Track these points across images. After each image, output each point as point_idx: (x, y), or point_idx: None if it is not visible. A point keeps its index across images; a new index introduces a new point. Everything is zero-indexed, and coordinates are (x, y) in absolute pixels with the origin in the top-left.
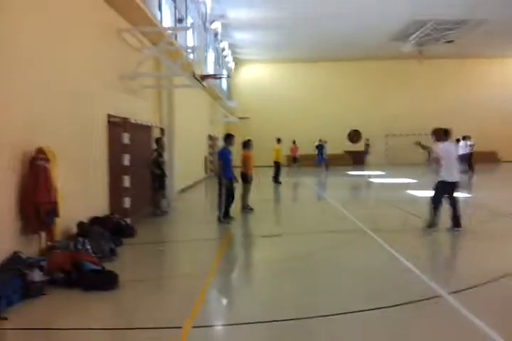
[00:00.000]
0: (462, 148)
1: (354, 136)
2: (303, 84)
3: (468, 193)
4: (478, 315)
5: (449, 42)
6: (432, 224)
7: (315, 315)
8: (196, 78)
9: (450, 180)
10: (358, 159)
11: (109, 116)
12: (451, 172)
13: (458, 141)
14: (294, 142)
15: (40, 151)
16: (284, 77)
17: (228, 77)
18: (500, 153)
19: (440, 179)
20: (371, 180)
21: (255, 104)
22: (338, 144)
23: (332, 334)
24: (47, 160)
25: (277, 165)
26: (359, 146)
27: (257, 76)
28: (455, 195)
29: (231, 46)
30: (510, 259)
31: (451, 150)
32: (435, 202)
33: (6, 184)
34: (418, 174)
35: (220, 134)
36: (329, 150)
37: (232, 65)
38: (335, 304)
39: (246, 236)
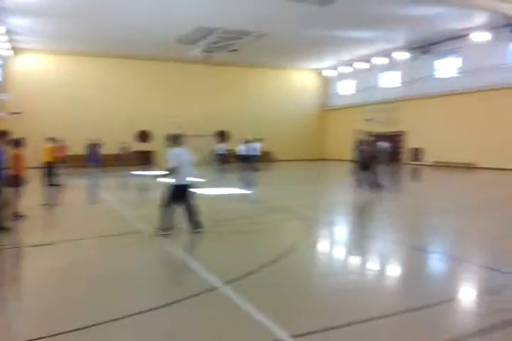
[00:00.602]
0: (253, 149)
1: (143, 136)
2: (89, 79)
3: (249, 190)
4: (251, 302)
5: (234, 50)
6: (165, 228)
7: (100, 322)
8: None
9: (181, 183)
10: (146, 159)
11: None
12: (183, 176)
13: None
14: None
15: None
16: (67, 70)
17: None
18: (277, 153)
19: (172, 183)
20: (159, 179)
21: (35, 99)
22: (127, 144)
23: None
24: None
25: (50, 166)
26: (149, 146)
27: (38, 67)
28: (190, 197)
29: (9, 32)
30: (261, 251)
31: (182, 155)
32: (166, 205)
33: None
34: (204, 173)
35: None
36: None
37: (9, 53)
38: (113, 309)
39: (14, 247)
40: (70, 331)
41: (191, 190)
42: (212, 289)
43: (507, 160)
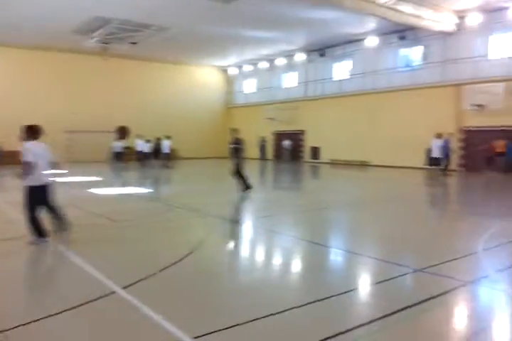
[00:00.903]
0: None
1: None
2: None
3: (150, 188)
4: (151, 305)
5: (133, 43)
6: (40, 233)
7: None
8: None
9: (38, 184)
10: None
11: None
12: (39, 175)
13: (168, 138)
14: None
15: None
16: None
17: None
18: (182, 151)
19: (27, 184)
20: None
21: None
22: (14, 140)
23: None
24: None
25: None
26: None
27: None
28: (50, 198)
29: None
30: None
31: (37, 151)
32: (29, 210)
33: None
34: (103, 172)
35: None
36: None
37: None
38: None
39: None
40: None
41: (50, 190)
42: (110, 294)
43: (395, 158)
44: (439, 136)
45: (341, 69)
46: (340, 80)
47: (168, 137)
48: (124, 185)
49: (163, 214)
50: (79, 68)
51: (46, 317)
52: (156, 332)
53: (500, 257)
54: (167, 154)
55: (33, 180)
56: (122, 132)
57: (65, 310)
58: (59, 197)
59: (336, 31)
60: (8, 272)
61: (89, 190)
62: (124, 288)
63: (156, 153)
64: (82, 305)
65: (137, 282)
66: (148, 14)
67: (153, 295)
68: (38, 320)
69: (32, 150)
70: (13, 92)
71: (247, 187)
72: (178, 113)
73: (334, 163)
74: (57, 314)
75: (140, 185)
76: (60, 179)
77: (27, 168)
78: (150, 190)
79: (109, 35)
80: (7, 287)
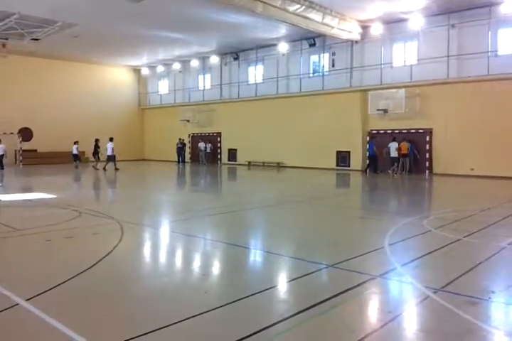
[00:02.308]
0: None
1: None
2: None
3: (55, 193)
4: (58, 317)
5: (35, 39)
6: None
7: None
8: None
9: None
10: None
11: None
12: None
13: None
14: None
15: None
16: None
17: None
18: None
19: None
20: None
21: None
22: None
23: None
24: None
25: None
26: None
27: None
28: None
29: None
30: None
31: None
32: None
33: None
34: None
35: None
36: None
37: None
38: None
39: None
40: None
41: None
42: (12, 306)
43: (308, 159)
44: (394, 139)
45: (255, 73)
46: (255, 84)
47: (111, 139)
48: (27, 190)
49: (71, 220)
50: None
51: None
52: None
53: (404, 251)
54: (112, 156)
55: None
56: (26, 134)
57: None
58: None
59: (249, 35)
60: None
61: None
62: (28, 299)
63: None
64: None
65: (42, 293)
66: (51, 10)
67: (60, 305)
68: None
69: None
70: None
71: None
72: (89, 114)
73: (251, 165)
74: None
75: (44, 190)
76: None
77: None
78: (55, 196)
79: (8, 30)
80: None
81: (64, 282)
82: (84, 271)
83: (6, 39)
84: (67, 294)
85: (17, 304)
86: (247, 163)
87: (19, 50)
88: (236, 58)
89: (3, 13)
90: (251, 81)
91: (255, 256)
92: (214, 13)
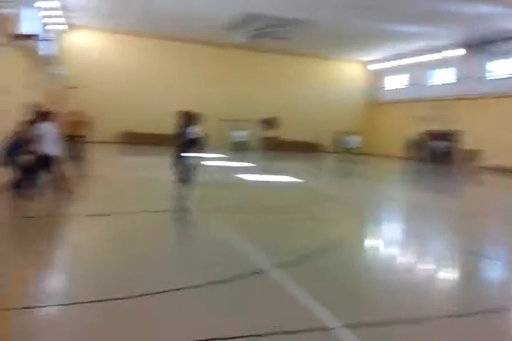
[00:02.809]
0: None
1: (194, 118)
2: (140, 60)
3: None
4: (299, 287)
5: (281, 38)
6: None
7: (149, 292)
8: (9, 36)
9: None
10: (196, 142)
11: None
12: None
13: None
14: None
15: None
16: (120, 49)
17: (52, 39)
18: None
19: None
20: (208, 163)
21: (88, 73)
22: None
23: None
24: None
25: (73, 139)
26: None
27: (91, 44)
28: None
29: (64, 8)
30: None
31: (48, 129)
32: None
33: None
34: (256, 159)
35: (40, 103)
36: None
37: (62, 28)
38: (163, 281)
39: (76, 215)
40: (116, 298)
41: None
42: (260, 272)
43: None
44: None
45: (499, 68)
46: (498, 79)
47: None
48: (276, 173)
49: (313, 204)
50: (226, 61)
51: (190, 288)
52: (301, 312)
53: None
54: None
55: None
56: (269, 123)
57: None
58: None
59: (496, 26)
60: (170, 239)
61: (240, 175)
62: (276, 267)
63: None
64: (231, 279)
65: (287, 264)
66: (298, 10)
67: (303, 278)
68: (180, 288)
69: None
70: (168, 84)
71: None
72: (318, 107)
73: (497, 169)
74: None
75: (292, 174)
76: (213, 163)
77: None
78: (301, 180)
79: (258, 31)
80: (165, 251)
81: (305, 258)
82: (322, 250)
83: (257, 39)
84: (307, 269)
85: (264, 270)
86: (490, 165)
87: (265, 48)
88: (478, 51)
89: (254, 16)
90: (493, 76)
91: None
92: (458, 5)
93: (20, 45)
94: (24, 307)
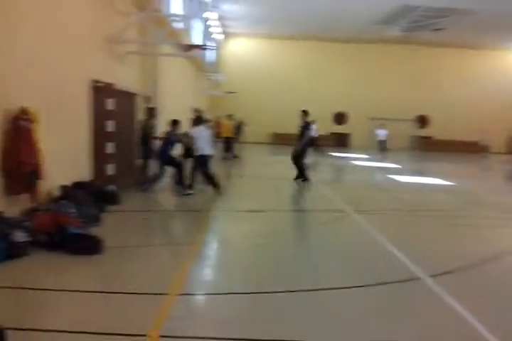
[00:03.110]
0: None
1: (339, 117)
2: (289, 62)
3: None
4: (456, 298)
5: (438, 30)
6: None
7: (300, 289)
8: (181, 47)
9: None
10: (341, 141)
11: (94, 81)
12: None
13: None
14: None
15: (23, 111)
16: (270, 53)
17: (215, 49)
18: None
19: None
20: (354, 162)
21: (241, 79)
22: (325, 125)
23: (317, 307)
24: (30, 120)
25: (228, 141)
26: (344, 128)
27: (244, 50)
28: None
29: (221, 18)
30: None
31: (202, 132)
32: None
33: None
34: (401, 159)
35: (203, 107)
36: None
37: (220, 37)
38: (317, 279)
39: (229, 211)
40: (270, 292)
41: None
42: (416, 279)
43: None
44: None
45: None
46: None
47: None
48: (422, 174)
49: (464, 210)
50: (377, 57)
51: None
52: (459, 323)
53: None
54: None
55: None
56: (422, 121)
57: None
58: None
59: None
60: (326, 237)
61: (389, 176)
62: (432, 276)
63: None
64: (389, 282)
65: (445, 273)
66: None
67: (462, 288)
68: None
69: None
70: (315, 84)
71: (302, 177)
72: (481, 104)
73: None
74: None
75: (438, 176)
76: (363, 163)
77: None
78: (451, 183)
79: (413, 23)
80: (321, 249)
81: (466, 267)
82: (488, 260)
83: (410, 31)
84: (470, 278)
85: (418, 278)
86: None
87: (420, 41)
88: None
89: (408, 8)
90: None
91: None
92: None
93: (190, 55)
94: (182, 294)
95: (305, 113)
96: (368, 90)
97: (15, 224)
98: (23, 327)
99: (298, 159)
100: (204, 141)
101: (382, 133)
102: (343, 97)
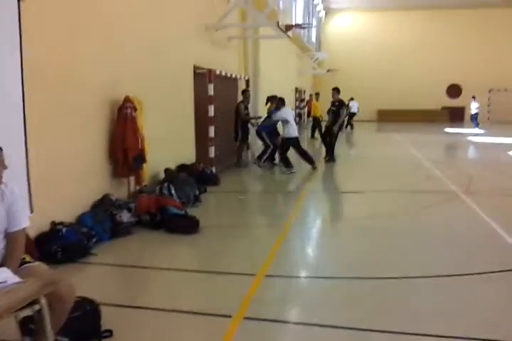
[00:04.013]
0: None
1: (453, 90)
2: (396, 35)
3: None
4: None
5: None
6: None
7: (397, 276)
8: (280, 28)
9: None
10: (456, 116)
11: (195, 67)
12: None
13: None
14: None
15: (127, 100)
16: (375, 27)
17: (314, 26)
18: None
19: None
20: (470, 138)
21: (345, 56)
22: (435, 99)
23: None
24: (133, 108)
25: (316, 121)
26: (458, 102)
27: (347, 26)
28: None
29: None
30: None
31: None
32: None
33: (99, 130)
34: None
35: (307, 86)
36: (426, 105)
37: (322, 14)
38: (418, 266)
39: (326, 191)
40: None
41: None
42: None
43: None
44: None
45: None
46: None
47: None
48: None
49: None
50: (500, 24)
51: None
52: None
53: None
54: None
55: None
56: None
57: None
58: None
59: None
60: (432, 221)
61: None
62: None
63: None
64: (491, 272)
65: None
66: None
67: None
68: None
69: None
70: (424, 56)
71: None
72: None
73: None
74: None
75: None
76: (479, 139)
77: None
78: None
79: None
80: (427, 233)
81: None
82: None
83: None
84: None
85: None
86: None
87: None
88: None
89: None
90: None
91: None
92: None
93: (291, 35)
94: (272, 276)
95: (337, 91)
96: (487, 59)
97: (121, 205)
98: (118, 303)
99: (330, 138)
100: (290, 123)
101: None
102: (457, 69)
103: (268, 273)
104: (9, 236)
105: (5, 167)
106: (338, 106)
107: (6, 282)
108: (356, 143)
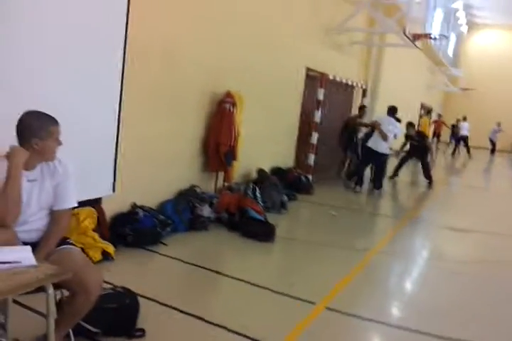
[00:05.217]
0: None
1: None
2: None
3: None
4: None
5: None
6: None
7: None
8: (407, 36)
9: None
10: None
11: (308, 69)
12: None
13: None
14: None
15: (228, 95)
16: None
17: (448, 38)
18: None
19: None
20: None
21: (483, 76)
22: None
23: None
24: (233, 103)
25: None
26: None
27: (491, 44)
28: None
29: (466, 7)
30: None
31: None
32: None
33: (197, 121)
34: None
35: (435, 103)
36: None
37: (464, 28)
38: None
39: (430, 223)
40: None
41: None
42: None
43: None
44: None
45: None
46: None
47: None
48: None
49: None
50: None
51: None
52: None
53: None
54: None
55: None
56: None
57: None
58: None
59: None
60: None
61: None
62: None
63: None
64: None
65: None
66: None
67: None
68: None
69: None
70: None
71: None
72: None
73: None
74: None
75: None
76: None
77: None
78: None
79: None
80: None
81: None
82: None
83: None
84: None
85: None
86: None
87: None
88: None
89: None
90: None
91: None
92: None
93: (425, 46)
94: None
95: (411, 125)
96: None
97: (204, 198)
98: (165, 303)
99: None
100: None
101: None
102: None
103: (329, 305)
104: (53, 215)
105: (60, 143)
106: (423, 139)
107: (20, 262)
108: (476, 172)
